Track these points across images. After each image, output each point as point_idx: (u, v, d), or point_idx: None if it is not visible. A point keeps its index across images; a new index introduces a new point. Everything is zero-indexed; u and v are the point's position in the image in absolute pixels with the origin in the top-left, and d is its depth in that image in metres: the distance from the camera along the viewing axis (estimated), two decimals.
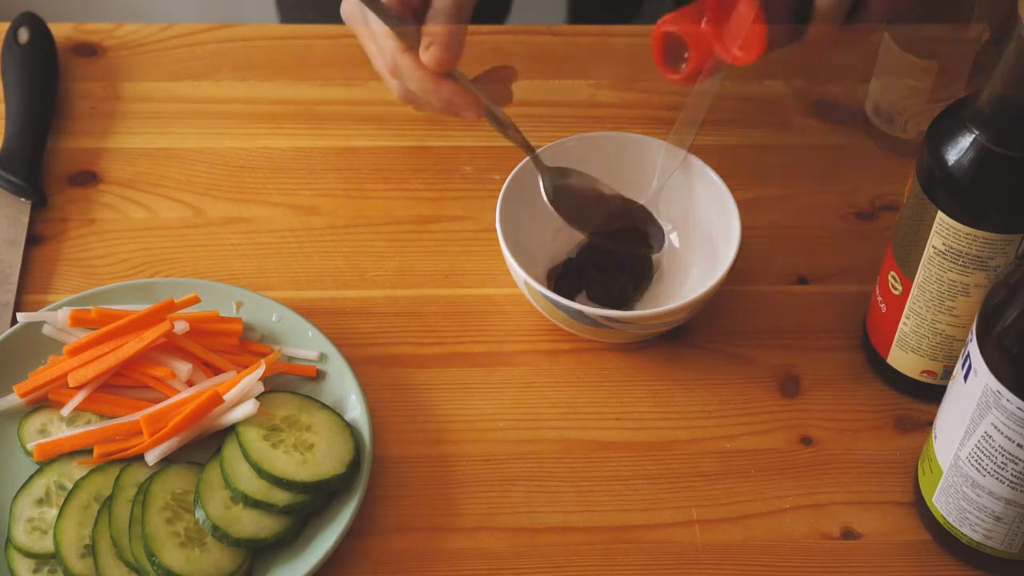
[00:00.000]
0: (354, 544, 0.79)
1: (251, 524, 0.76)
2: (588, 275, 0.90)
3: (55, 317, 0.84)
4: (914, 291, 0.80)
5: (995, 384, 0.70)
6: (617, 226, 0.91)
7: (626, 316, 0.83)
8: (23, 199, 0.95)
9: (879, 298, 0.84)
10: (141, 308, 0.84)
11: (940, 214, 0.75)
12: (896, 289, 0.81)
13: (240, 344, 0.85)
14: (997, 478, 0.73)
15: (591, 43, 1.07)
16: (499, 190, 0.88)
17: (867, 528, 0.81)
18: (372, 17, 0.85)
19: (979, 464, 0.74)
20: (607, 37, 1.08)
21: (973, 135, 0.73)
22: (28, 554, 0.76)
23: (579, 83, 1.04)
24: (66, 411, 0.81)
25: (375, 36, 0.86)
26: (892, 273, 0.81)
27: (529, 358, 0.88)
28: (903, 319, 0.82)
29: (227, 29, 1.08)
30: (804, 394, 0.87)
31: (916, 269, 0.79)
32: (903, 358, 0.84)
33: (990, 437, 0.72)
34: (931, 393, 0.84)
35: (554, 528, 0.81)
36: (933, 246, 0.77)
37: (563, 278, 0.90)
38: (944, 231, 0.76)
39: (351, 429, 0.81)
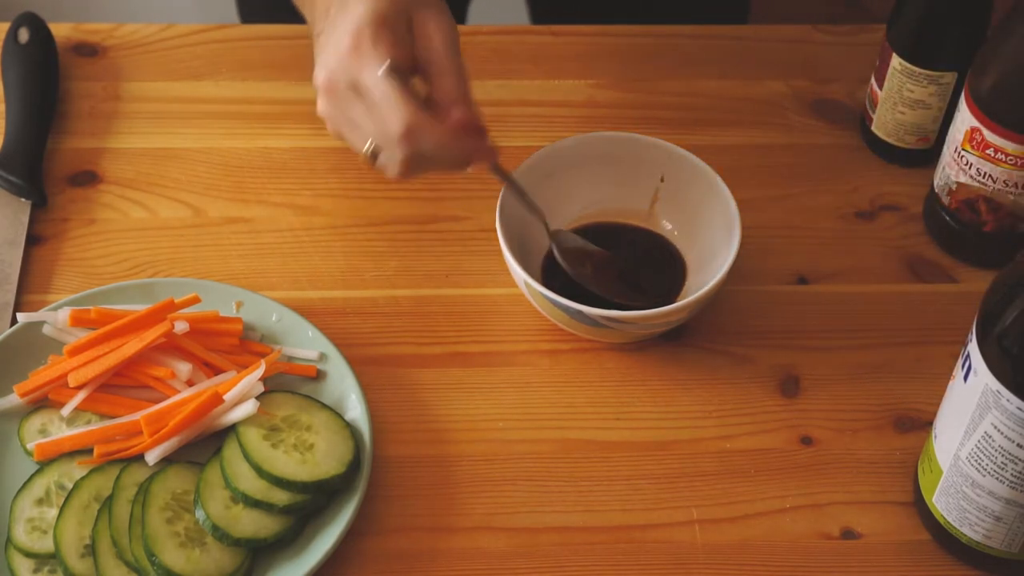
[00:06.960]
0: (354, 544, 0.79)
1: (251, 524, 0.76)
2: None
3: (55, 317, 0.84)
4: None
5: (995, 384, 0.70)
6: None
7: (626, 316, 0.83)
8: (23, 199, 0.95)
9: None
10: (141, 308, 0.84)
11: None
12: None
13: (240, 344, 0.85)
14: (997, 478, 0.73)
15: (591, 43, 1.07)
16: (499, 190, 0.88)
17: (867, 528, 0.81)
18: (370, 79, 0.77)
19: (979, 464, 0.73)
20: (607, 37, 1.08)
21: None
22: (28, 554, 0.76)
23: (579, 83, 1.04)
24: (66, 411, 0.81)
25: (373, 107, 0.77)
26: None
27: (529, 358, 0.88)
28: None
29: (227, 29, 1.08)
30: (804, 394, 0.87)
31: None
32: None
33: (990, 437, 0.72)
34: None
35: (554, 528, 0.81)
36: None
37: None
38: None
39: (351, 429, 0.81)
